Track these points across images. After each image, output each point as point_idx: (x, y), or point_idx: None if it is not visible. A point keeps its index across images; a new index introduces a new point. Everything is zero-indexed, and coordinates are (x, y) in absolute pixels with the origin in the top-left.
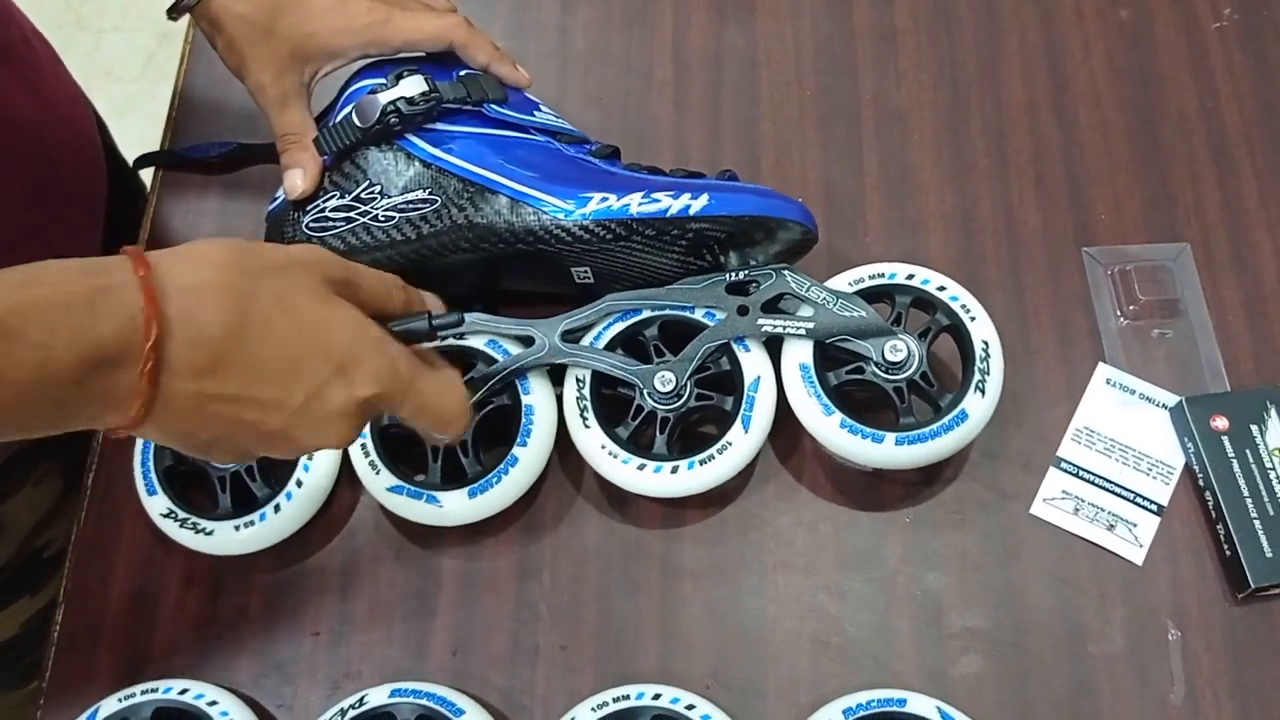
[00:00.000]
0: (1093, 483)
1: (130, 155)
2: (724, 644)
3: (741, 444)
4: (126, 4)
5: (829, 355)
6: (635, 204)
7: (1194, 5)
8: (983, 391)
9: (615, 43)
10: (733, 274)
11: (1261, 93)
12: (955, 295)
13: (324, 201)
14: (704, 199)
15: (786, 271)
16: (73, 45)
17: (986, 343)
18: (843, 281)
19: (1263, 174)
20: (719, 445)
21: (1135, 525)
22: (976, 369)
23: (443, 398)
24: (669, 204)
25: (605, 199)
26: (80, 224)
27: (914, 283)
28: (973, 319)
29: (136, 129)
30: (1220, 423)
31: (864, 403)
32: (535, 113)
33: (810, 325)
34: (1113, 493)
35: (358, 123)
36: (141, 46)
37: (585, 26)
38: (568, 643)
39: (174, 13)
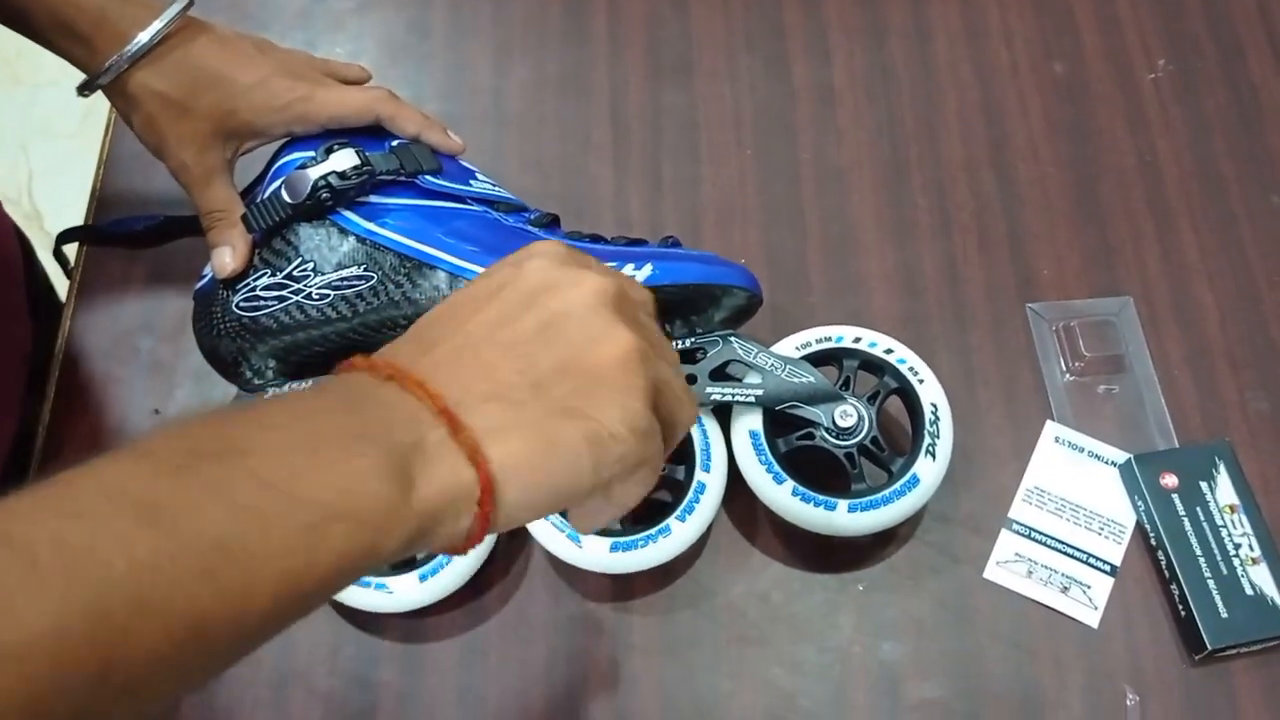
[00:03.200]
0: (1045, 544)
1: (67, 215)
2: None
3: (690, 523)
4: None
5: (779, 421)
6: None
7: (1128, 57)
8: (933, 455)
9: (551, 105)
10: (679, 341)
11: (1197, 144)
12: (903, 358)
13: (254, 280)
14: (648, 268)
15: (733, 338)
16: (8, 102)
17: (935, 405)
18: (789, 346)
19: (1200, 227)
20: (666, 524)
21: (1089, 587)
22: (926, 433)
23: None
24: None
25: None
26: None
27: (861, 346)
28: (921, 381)
29: (74, 186)
30: (1170, 480)
31: (815, 466)
32: (472, 181)
33: (759, 392)
34: (1065, 554)
35: (288, 199)
36: (78, 102)
37: (520, 89)
38: None
39: (85, 90)
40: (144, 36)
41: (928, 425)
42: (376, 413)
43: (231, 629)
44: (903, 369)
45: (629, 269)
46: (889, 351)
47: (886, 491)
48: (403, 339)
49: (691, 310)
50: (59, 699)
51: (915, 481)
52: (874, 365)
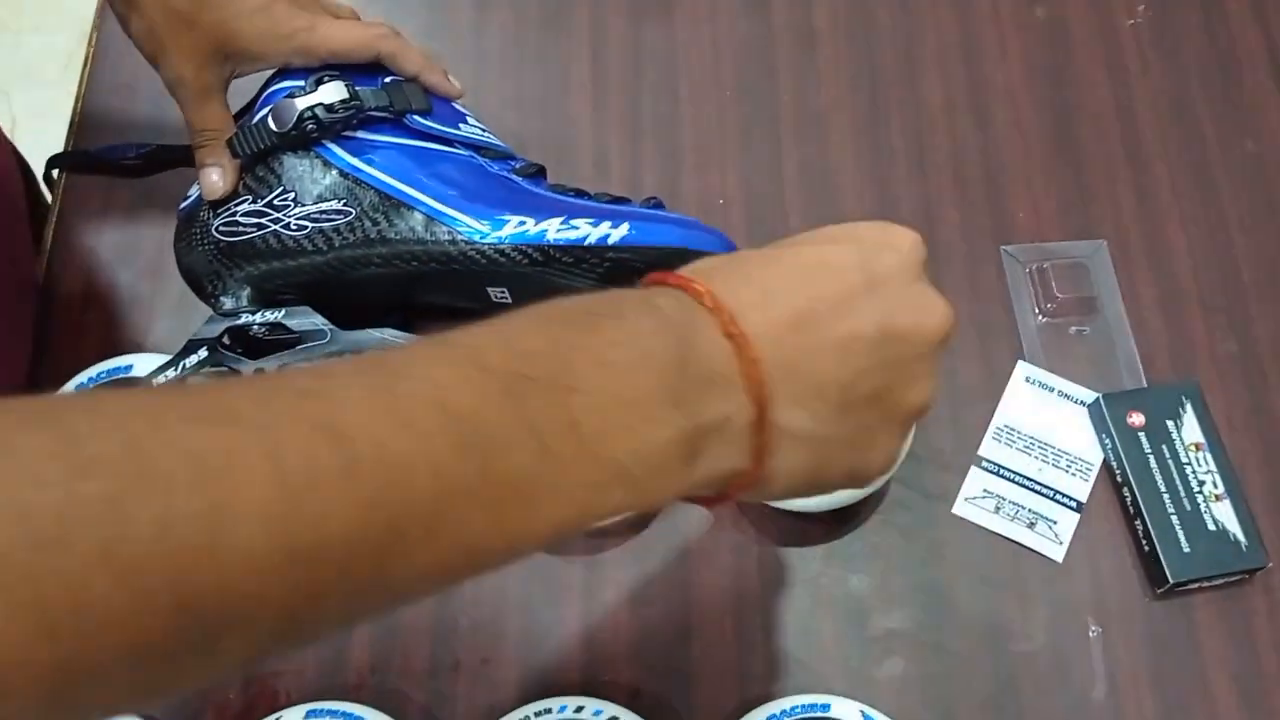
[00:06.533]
0: (1013, 481)
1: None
2: (648, 653)
3: None
4: (45, 4)
5: None
6: (553, 230)
7: (1108, 3)
8: None
9: (532, 44)
10: None
11: (1174, 90)
12: None
13: (235, 205)
14: (624, 228)
15: None
16: None
17: None
18: None
19: (1175, 171)
20: None
21: (1055, 523)
22: None
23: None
24: (588, 232)
25: (523, 223)
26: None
27: None
28: None
29: (58, 130)
30: (1137, 419)
31: None
32: (461, 125)
33: None
34: (1033, 490)
35: (273, 126)
36: (61, 48)
37: (501, 28)
38: (489, 656)
39: None
40: None
41: None
42: (699, 377)
43: (496, 561)
44: None
45: (605, 227)
46: None
47: None
48: (739, 264)
49: None
50: (329, 600)
51: None
52: None
